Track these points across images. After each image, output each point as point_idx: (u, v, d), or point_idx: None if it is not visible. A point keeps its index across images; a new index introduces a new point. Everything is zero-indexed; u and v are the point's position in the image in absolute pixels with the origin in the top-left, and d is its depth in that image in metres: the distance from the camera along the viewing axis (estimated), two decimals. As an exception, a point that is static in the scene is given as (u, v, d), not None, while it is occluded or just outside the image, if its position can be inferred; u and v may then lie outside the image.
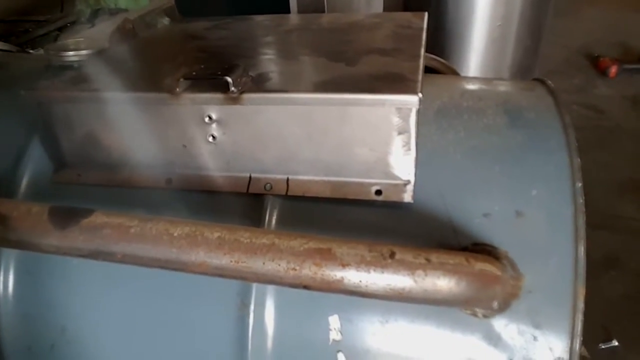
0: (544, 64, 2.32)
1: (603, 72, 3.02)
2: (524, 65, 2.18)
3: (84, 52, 0.81)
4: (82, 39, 0.84)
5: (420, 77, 0.56)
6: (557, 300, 0.49)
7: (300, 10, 1.40)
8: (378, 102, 0.53)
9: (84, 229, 0.48)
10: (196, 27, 0.92)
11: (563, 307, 0.49)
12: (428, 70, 0.95)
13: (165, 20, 3.08)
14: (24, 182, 0.67)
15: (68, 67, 0.78)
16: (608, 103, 2.63)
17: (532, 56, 2.26)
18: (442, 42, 2.11)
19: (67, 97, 0.63)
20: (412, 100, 0.52)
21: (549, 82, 0.71)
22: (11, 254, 0.64)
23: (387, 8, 1.78)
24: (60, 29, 3.97)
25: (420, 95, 0.52)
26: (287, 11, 1.46)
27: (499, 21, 2.08)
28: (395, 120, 0.54)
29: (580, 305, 0.49)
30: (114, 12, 3.81)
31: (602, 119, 2.50)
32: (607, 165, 2.17)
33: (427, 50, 0.90)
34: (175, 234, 0.47)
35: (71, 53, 0.80)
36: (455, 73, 0.94)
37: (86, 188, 0.64)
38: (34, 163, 0.67)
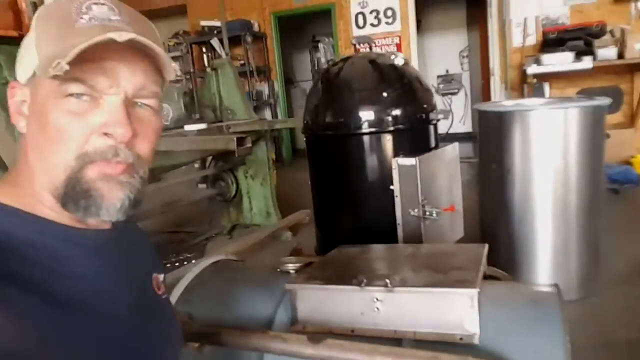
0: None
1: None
2: (585, 275, 2.65)
3: (298, 264, 1.52)
4: (294, 257, 1.56)
5: (479, 280, 1.16)
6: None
7: (405, 239, 2.08)
8: (456, 292, 1.14)
9: (327, 345, 1.09)
10: (349, 252, 1.60)
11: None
12: (493, 277, 1.54)
13: (288, 234, 4.28)
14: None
15: (288, 271, 1.48)
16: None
17: (593, 265, 2.71)
18: (513, 255, 2.68)
19: (302, 287, 1.29)
20: (474, 292, 1.12)
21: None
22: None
23: (466, 231, 2.43)
24: (207, 239, 5.04)
25: (478, 289, 1.12)
26: (395, 238, 2.14)
27: (559, 239, 2.64)
28: (467, 302, 1.13)
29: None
30: (248, 226, 5.06)
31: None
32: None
33: (494, 264, 1.50)
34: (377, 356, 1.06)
35: (291, 265, 1.52)
36: (509, 278, 1.52)
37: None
38: (280, 320, 1.31)
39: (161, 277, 0.88)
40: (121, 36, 0.58)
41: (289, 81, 8.84)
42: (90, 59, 0.59)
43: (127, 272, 0.75)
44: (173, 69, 0.67)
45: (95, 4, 0.62)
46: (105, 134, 0.62)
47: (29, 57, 0.63)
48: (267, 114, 7.63)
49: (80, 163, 0.61)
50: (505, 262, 2.64)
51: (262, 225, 4.35)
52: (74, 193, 0.62)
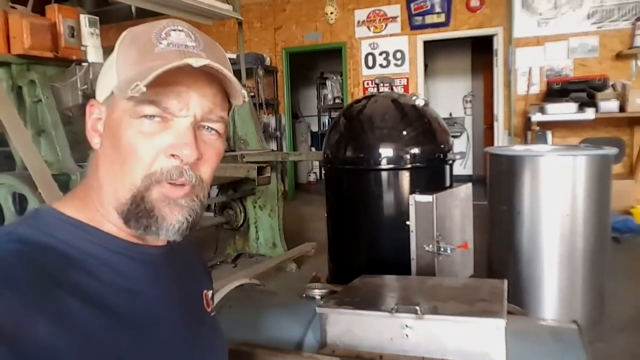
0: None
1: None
2: (590, 319, 2.69)
3: (324, 290, 1.57)
4: (319, 284, 1.61)
5: (505, 311, 1.22)
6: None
7: (418, 273, 2.13)
8: (485, 322, 1.19)
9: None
10: (372, 282, 1.65)
11: None
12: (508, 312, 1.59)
13: (293, 266, 4.35)
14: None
15: (314, 297, 1.53)
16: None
17: (598, 309, 2.74)
18: (520, 295, 2.72)
19: (333, 311, 1.34)
20: (501, 322, 1.18)
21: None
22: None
23: (475, 268, 2.48)
24: (212, 267, 5.08)
25: (505, 320, 1.18)
26: (408, 272, 2.19)
27: (565, 281, 2.69)
28: (494, 331, 1.18)
29: None
30: (252, 256, 5.10)
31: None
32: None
33: (508, 300, 1.55)
34: (401, 371, 1.10)
35: (317, 290, 1.57)
36: (524, 314, 1.57)
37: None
38: (309, 343, 1.36)
39: (210, 293, 0.90)
40: (197, 62, 0.60)
41: (295, 115, 9.01)
42: (165, 82, 0.61)
43: (181, 290, 0.77)
44: (242, 95, 0.68)
45: (174, 30, 0.64)
46: (173, 155, 0.63)
47: (109, 78, 0.65)
48: (273, 146, 7.75)
49: (147, 183, 0.63)
50: (512, 301, 2.67)
51: (267, 255, 4.37)
52: (138, 211, 0.64)
